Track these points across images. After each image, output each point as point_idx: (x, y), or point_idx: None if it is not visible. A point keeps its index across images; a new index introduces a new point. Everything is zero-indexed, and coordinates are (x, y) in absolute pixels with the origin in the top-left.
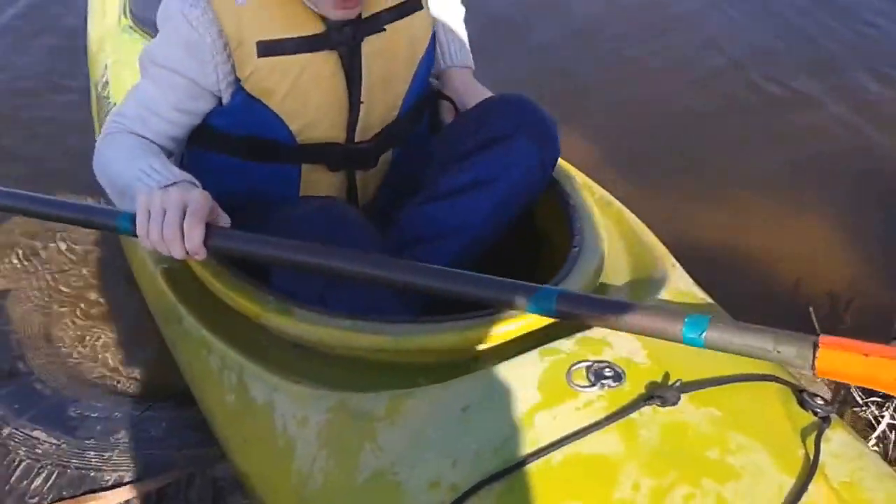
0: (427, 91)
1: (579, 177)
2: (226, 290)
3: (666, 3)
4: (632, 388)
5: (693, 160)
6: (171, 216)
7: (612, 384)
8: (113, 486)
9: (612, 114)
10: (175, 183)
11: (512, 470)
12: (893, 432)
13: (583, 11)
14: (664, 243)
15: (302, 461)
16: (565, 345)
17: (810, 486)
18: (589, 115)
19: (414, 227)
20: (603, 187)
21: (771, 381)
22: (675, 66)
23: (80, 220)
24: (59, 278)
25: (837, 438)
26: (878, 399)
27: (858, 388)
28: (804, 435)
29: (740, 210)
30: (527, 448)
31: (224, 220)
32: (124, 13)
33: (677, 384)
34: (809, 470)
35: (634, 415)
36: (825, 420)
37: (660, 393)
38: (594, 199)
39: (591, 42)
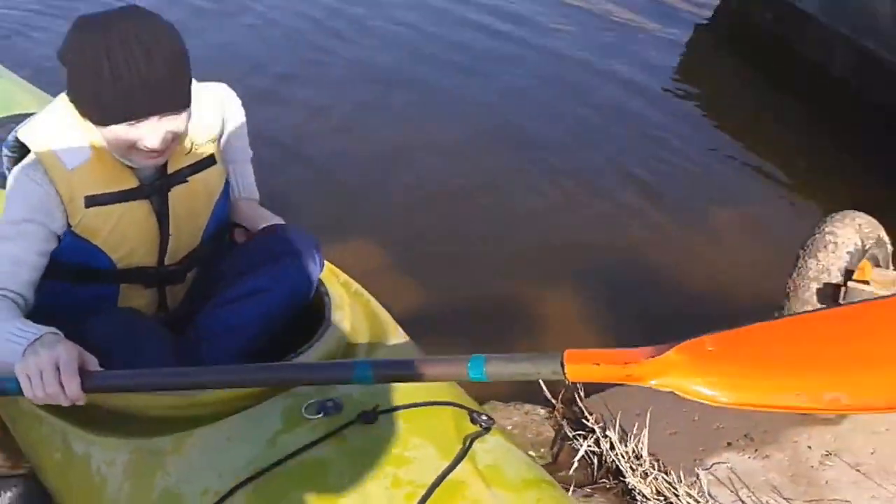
0: (225, 222)
1: (341, 276)
2: None
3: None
4: (347, 413)
5: (458, 238)
6: (47, 377)
7: (334, 412)
8: None
9: (381, 216)
10: (39, 338)
11: (259, 475)
12: (595, 458)
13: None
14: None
15: (112, 491)
16: (303, 389)
17: (459, 466)
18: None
19: (207, 325)
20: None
21: (450, 405)
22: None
23: None
24: None
25: (493, 440)
26: (583, 433)
27: (569, 425)
28: (467, 438)
29: (507, 281)
30: (270, 460)
31: (91, 360)
32: None
33: (376, 408)
34: (460, 456)
35: (346, 431)
36: (486, 429)
37: (364, 416)
38: (350, 292)
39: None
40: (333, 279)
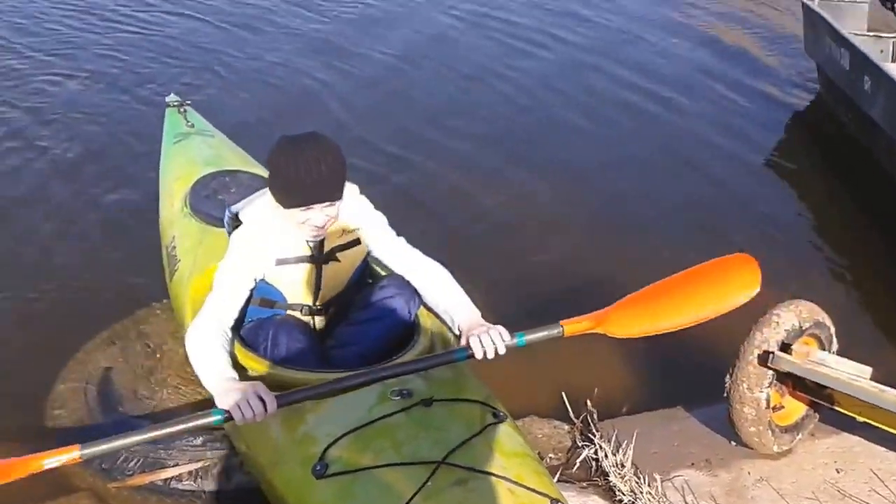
0: (359, 280)
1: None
2: (243, 358)
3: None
4: (415, 399)
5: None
6: (254, 404)
7: (406, 396)
8: (172, 467)
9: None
10: (225, 380)
11: (358, 428)
12: (594, 462)
13: None
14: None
15: (274, 433)
16: (390, 381)
17: (474, 438)
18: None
19: (339, 338)
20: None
21: (479, 403)
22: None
23: (192, 429)
24: (144, 365)
25: (504, 428)
26: (588, 444)
27: (581, 438)
28: (485, 424)
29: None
30: (365, 420)
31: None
32: (185, 204)
33: (432, 398)
34: (476, 432)
35: (412, 409)
36: (500, 420)
37: (424, 401)
38: (431, 320)
39: None
40: (424, 312)
